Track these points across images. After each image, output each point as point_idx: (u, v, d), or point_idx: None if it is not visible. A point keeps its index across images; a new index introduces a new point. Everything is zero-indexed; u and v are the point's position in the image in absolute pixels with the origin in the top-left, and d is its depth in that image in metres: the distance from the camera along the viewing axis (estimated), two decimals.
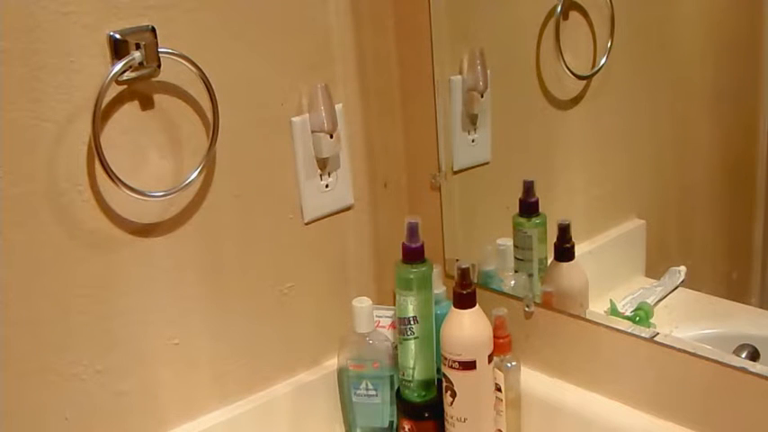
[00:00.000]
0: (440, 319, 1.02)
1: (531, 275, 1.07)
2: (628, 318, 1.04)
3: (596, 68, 1.09)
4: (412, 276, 1.00)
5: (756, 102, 1.03)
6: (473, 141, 1.12)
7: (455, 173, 1.12)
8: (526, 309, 1.05)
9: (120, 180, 0.87)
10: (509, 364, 1.01)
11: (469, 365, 0.99)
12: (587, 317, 1.01)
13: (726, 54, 1.05)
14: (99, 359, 0.92)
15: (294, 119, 1.03)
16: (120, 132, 0.89)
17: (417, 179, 1.14)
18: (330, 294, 1.11)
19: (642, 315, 1.04)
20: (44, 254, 0.87)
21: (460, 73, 1.09)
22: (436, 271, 1.04)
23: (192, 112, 0.95)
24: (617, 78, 1.09)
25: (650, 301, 1.06)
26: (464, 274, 0.98)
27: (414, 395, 1.05)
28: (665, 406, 0.95)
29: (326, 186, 1.07)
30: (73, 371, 0.91)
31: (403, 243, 1.00)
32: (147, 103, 0.91)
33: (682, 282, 1.08)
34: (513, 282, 1.09)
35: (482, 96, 1.10)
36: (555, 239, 1.04)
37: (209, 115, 0.94)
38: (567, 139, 1.13)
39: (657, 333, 0.95)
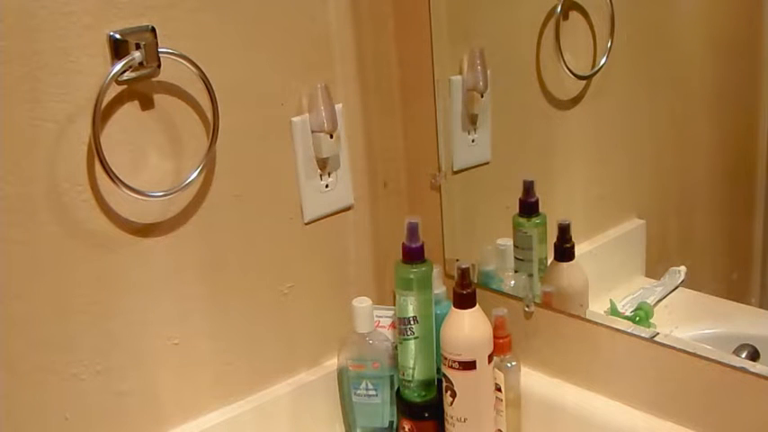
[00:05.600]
0: (440, 319, 1.02)
1: (531, 275, 1.07)
2: (628, 318, 1.04)
3: (596, 68, 1.09)
4: (412, 276, 1.00)
5: (756, 102, 1.03)
6: (473, 141, 1.12)
7: (455, 173, 1.12)
8: (526, 309, 1.05)
9: (120, 180, 0.87)
10: (509, 364, 1.01)
11: (469, 365, 0.99)
12: (587, 317, 1.01)
13: (726, 54, 1.05)
14: (99, 359, 0.92)
15: (294, 119, 1.03)
16: (120, 132, 0.89)
17: (417, 179, 1.14)
18: (330, 294, 1.11)
19: (642, 315, 1.04)
20: (44, 254, 0.87)
21: (460, 73, 1.09)
22: (436, 271, 1.04)
23: (192, 112, 0.95)
24: (617, 78, 1.09)
25: (650, 301, 1.06)
26: (464, 274, 0.98)
27: (414, 395, 1.05)
28: (665, 406, 0.95)
29: (326, 186, 1.07)
30: (73, 371, 0.91)
31: (403, 243, 1.00)
32: (147, 103, 0.91)
33: (682, 282, 1.08)
34: (513, 282, 1.09)
35: (482, 96, 1.10)
36: (555, 239, 1.04)
37: (209, 115, 0.94)
38: (567, 139, 1.13)
39: (657, 333, 0.95)
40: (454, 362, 0.99)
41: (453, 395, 1.01)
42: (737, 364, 0.88)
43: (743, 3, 1.04)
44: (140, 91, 0.90)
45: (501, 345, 1.01)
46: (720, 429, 0.90)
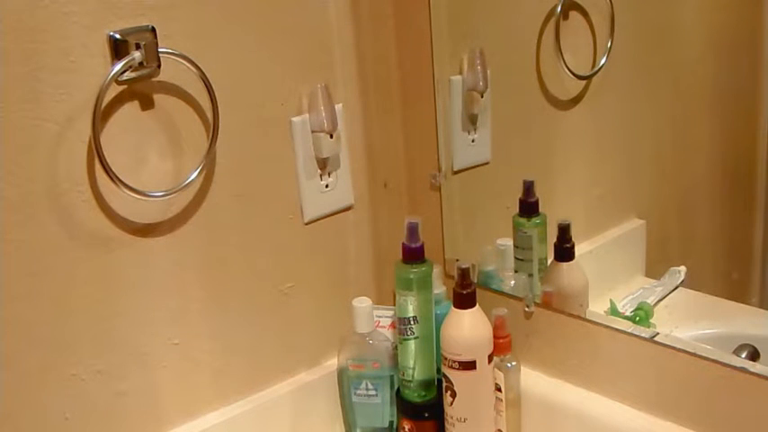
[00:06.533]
0: (440, 319, 1.02)
1: (531, 275, 1.07)
2: (628, 318, 1.04)
3: (596, 68, 1.09)
4: (412, 276, 1.00)
5: (756, 102, 1.03)
6: (473, 141, 1.12)
7: (455, 173, 1.12)
8: (526, 309, 1.05)
9: (120, 180, 0.87)
10: (509, 364, 1.01)
11: (469, 365, 0.99)
12: (587, 317, 1.01)
13: (726, 54, 1.05)
14: (99, 359, 0.92)
15: (294, 119, 1.03)
16: (120, 132, 0.89)
17: (417, 179, 1.14)
18: (330, 294, 1.11)
19: (642, 315, 1.04)
20: (44, 254, 0.87)
21: (460, 73, 1.09)
22: (436, 271, 1.04)
23: (191, 112, 0.95)
24: (617, 78, 1.09)
25: (650, 301, 1.06)
26: (464, 274, 0.98)
27: (414, 395, 1.05)
28: (665, 406, 0.95)
29: (326, 186, 1.07)
30: (73, 371, 0.91)
31: (403, 243, 1.00)
32: (147, 103, 0.91)
33: (682, 282, 1.08)
34: (513, 282, 1.09)
35: (482, 96, 1.10)
36: (555, 239, 1.04)
37: (209, 115, 0.94)
38: (566, 139, 1.13)
39: (657, 333, 0.95)
40: (454, 362, 0.99)
41: (453, 395, 1.00)
42: (737, 364, 0.88)
43: (743, 3, 1.04)
44: (140, 91, 0.90)
45: (501, 345, 1.01)
46: (720, 429, 0.90)
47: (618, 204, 1.14)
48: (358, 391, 1.08)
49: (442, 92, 1.09)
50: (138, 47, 0.86)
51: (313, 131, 1.04)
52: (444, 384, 1.01)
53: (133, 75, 0.88)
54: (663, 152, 1.12)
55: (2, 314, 0.85)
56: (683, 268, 1.08)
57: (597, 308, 1.04)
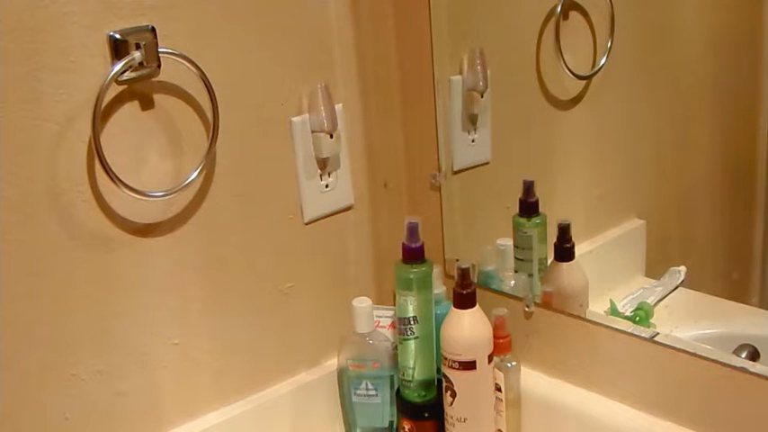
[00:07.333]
0: (440, 319, 1.02)
1: (531, 275, 1.07)
2: (628, 318, 1.04)
3: (596, 68, 1.09)
4: (412, 276, 1.00)
5: (756, 102, 1.03)
6: (473, 141, 1.12)
7: (455, 173, 1.12)
8: (526, 309, 1.05)
9: (120, 180, 0.87)
10: (509, 364, 1.01)
11: (469, 365, 0.99)
12: (587, 317, 1.01)
13: (726, 54, 1.05)
14: (99, 359, 0.92)
15: (294, 119, 1.03)
16: (120, 132, 0.89)
17: (417, 179, 1.14)
18: (330, 294, 1.11)
19: (642, 315, 1.04)
20: (44, 254, 0.87)
21: (460, 73, 1.09)
22: (436, 271, 1.04)
23: (191, 112, 0.95)
24: (617, 78, 1.09)
25: (650, 301, 1.06)
26: (464, 274, 0.98)
27: (414, 395, 1.05)
28: (665, 406, 0.95)
29: (326, 186, 1.07)
30: (73, 371, 0.91)
31: (403, 243, 1.00)
32: (147, 103, 0.91)
33: (682, 282, 1.08)
34: (513, 282, 1.09)
35: (482, 96, 1.10)
36: (555, 239, 1.04)
37: (209, 115, 0.94)
38: (567, 139, 1.13)
39: (657, 333, 0.95)
40: (454, 362, 0.99)
41: (453, 395, 1.01)
42: (737, 364, 0.88)
43: (743, 3, 1.04)
44: (140, 91, 0.90)
45: (501, 345, 1.01)
46: (720, 429, 0.90)
47: (618, 204, 1.14)
48: (358, 391, 1.08)
49: (442, 92, 1.09)
50: (138, 47, 0.86)
51: (313, 131, 1.04)
52: (444, 384, 1.01)
53: (133, 75, 0.89)
54: (663, 152, 1.12)
55: (2, 314, 0.85)
56: (683, 268, 1.08)
57: (597, 308, 1.04)
